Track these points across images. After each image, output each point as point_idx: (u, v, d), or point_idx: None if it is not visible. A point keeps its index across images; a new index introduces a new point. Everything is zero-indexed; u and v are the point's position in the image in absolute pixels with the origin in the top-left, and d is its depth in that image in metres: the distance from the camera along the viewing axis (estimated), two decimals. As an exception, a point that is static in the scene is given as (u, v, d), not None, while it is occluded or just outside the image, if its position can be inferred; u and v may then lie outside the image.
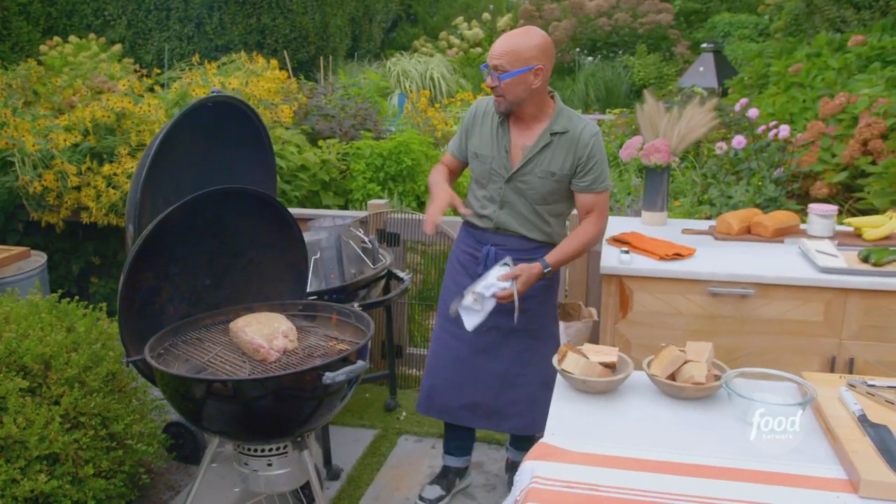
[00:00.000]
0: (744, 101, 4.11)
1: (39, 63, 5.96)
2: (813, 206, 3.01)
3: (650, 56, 11.68)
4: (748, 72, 6.04)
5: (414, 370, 4.00)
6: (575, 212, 2.68)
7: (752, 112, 3.92)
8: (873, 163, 3.89)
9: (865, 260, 2.63)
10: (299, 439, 2.37)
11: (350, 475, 3.08)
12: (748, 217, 3.07)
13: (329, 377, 2.16)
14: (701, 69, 8.38)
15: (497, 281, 2.49)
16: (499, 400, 2.73)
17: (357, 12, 13.59)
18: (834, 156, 4.10)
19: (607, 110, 10.65)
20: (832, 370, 2.60)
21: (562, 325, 3.08)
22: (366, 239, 3.43)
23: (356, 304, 2.93)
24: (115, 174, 3.92)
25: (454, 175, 2.78)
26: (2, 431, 2.27)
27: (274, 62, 6.18)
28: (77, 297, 2.97)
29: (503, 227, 2.62)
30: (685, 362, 1.90)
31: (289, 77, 6.19)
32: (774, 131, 3.90)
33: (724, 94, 7.06)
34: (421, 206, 5.03)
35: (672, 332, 2.71)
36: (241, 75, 5.51)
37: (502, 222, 2.61)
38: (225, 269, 2.72)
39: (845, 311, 2.58)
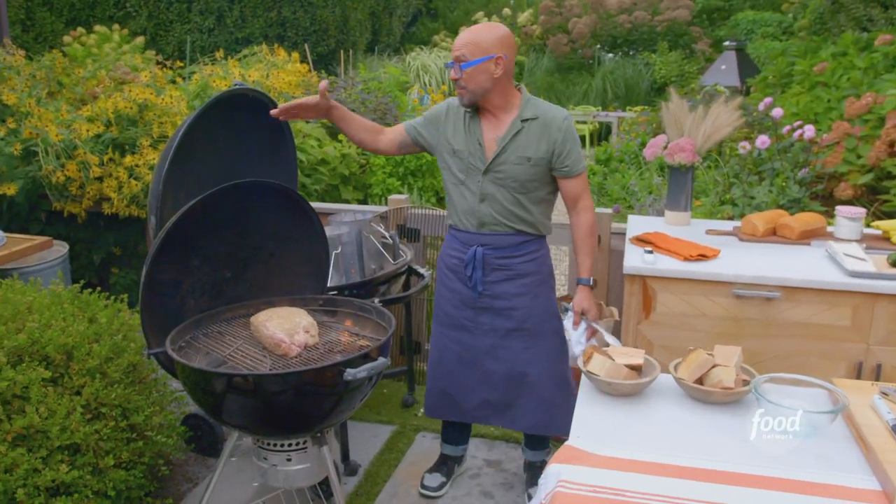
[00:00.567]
0: (768, 100, 4.06)
1: (63, 54, 5.98)
2: (840, 209, 2.96)
3: (672, 53, 11.59)
4: (771, 70, 5.97)
5: (431, 366, 3.98)
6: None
7: (777, 111, 3.87)
8: (900, 165, 3.83)
9: (895, 264, 2.59)
10: (319, 435, 2.36)
11: (367, 471, 3.07)
12: (774, 218, 3.03)
13: (350, 373, 2.15)
14: (723, 67, 8.29)
15: (574, 331, 2.70)
16: (509, 395, 2.75)
17: (377, 6, 13.59)
18: (859, 157, 4.03)
19: (627, 108, 10.57)
20: (858, 376, 2.56)
21: (583, 324, 3.06)
22: (386, 234, 3.41)
23: (376, 300, 2.91)
24: (136, 165, 3.93)
25: (386, 139, 2.75)
26: (24, 421, 2.28)
27: (295, 55, 6.18)
28: (98, 288, 2.97)
29: (487, 224, 2.62)
30: (713, 366, 1.88)
31: (310, 70, 6.19)
32: (799, 131, 3.85)
33: (747, 92, 6.99)
34: (440, 201, 5.01)
35: (695, 333, 2.68)
36: (262, 67, 5.51)
37: (485, 217, 2.61)
38: (246, 262, 2.71)
39: (873, 316, 2.53)
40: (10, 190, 4.01)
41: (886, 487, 1.44)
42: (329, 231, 3.03)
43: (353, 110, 5.58)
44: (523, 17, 14.17)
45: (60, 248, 3.89)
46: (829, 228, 3.05)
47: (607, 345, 2.75)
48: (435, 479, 2.94)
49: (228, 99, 2.71)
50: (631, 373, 1.92)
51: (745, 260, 2.75)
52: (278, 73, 5.18)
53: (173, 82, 5.22)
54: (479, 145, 2.58)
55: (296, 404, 2.23)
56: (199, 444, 3.15)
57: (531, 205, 2.62)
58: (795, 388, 1.83)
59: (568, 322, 2.72)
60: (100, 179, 3.99)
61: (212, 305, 2.62)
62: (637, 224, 3.23)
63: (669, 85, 10.16)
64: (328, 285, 2.91)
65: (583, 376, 1.98)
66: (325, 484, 2.62)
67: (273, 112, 2.55)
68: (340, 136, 5.09)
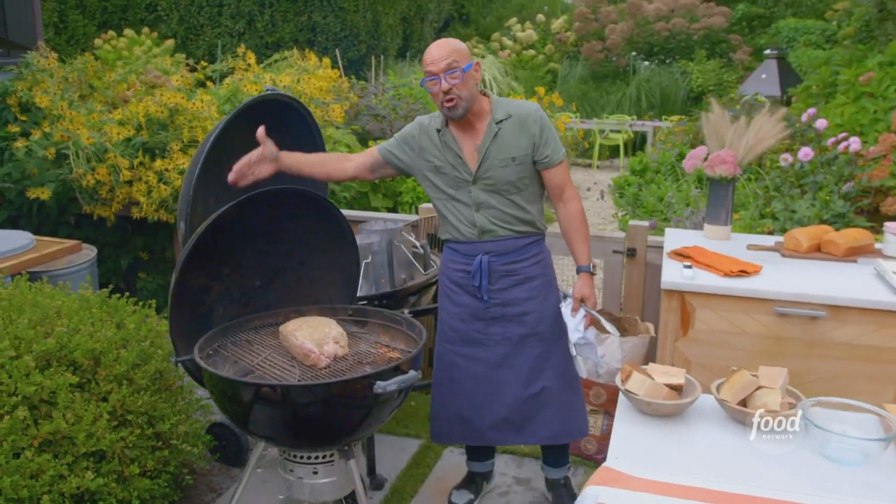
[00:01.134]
0: (811, 110, 3.95)
1: (95, 57, 6.03)
2: (889, 225, 2.86)
3: (710, 62, 11.42)
4: (815, 80, 5.83)
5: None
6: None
7: (820, 122, 3.77)
8: (949, 179, 3.70)
9: (947, 284, 2.48)
10: (346, 448, 2.31)
11: (394, 486, 3.01)
12: (818, 234, 2.93)
13: (380, 386, 2.10)
14: (763, 76, 8.13)
15: (572, 317, 2.57)
16: (525, 410, 2.66)
17: (409, 11, 13.58)
18: (907, 170, 3.91)
19: (663, 117, 10.43)
20: (908, 400, 2.46)
21: (618, 339, 2.99)
22: (417, 244, 3.36)
23: (406, 311, 2.86)
24: (166, 170, 3.93)
25: (354, 164, 2.66)
26: (51, 426, 2.26)
27: (326, 60, 6.16)
28: (127, 293, 2.96)
29: (488, 231, 2.56)
30: (758, 388, 1.80)
31: (340, 76, 6.17)
32: (844, 143, 3.74)
33: (788, 102, 6.84)
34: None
35: (735, 352, 2.59)
36: (293, 72, 5.49)
37: (484, 225, 2.55)
38: (276, 270, 2.68)
39: (924, 338, 2.43)
40: (45, 195, 4.03)
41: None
42: (359, 240, 2.98)
43: (384, 117, 5.56)
44: (557, 23, 14.04)
45: (89, 252, 3.89)
46: (877, 245, 2.94)
47: (606, 332, 2.72)
48: (463, 497, 2.87)
49: (259, 105, 2.69)
50: (671, 393, 1.85)
51: (788, 277, 2.66)
52: (309, 79, 5.16)
53: (202, 85, 5.21)
54: (460, 158, 2.54)
55: (324, 416, 2.18)
56: (223, 454, 3.11)
57: (527, 204, 2.58)
58: (844, 413, 1.75)
59: (566, 308, 2.62)
60: (129, 183, 4.00)
61: (240, 313, 2.59)
62: (675, 237, 3.15)
63: (707, 94, 10.00)
64: (357, 295, 2.86)
65: (620, 394, 1.92)
66: (351, 498, 2.56)
67: (230, 178, 2.44)
68: (370, 143, 5.05)
